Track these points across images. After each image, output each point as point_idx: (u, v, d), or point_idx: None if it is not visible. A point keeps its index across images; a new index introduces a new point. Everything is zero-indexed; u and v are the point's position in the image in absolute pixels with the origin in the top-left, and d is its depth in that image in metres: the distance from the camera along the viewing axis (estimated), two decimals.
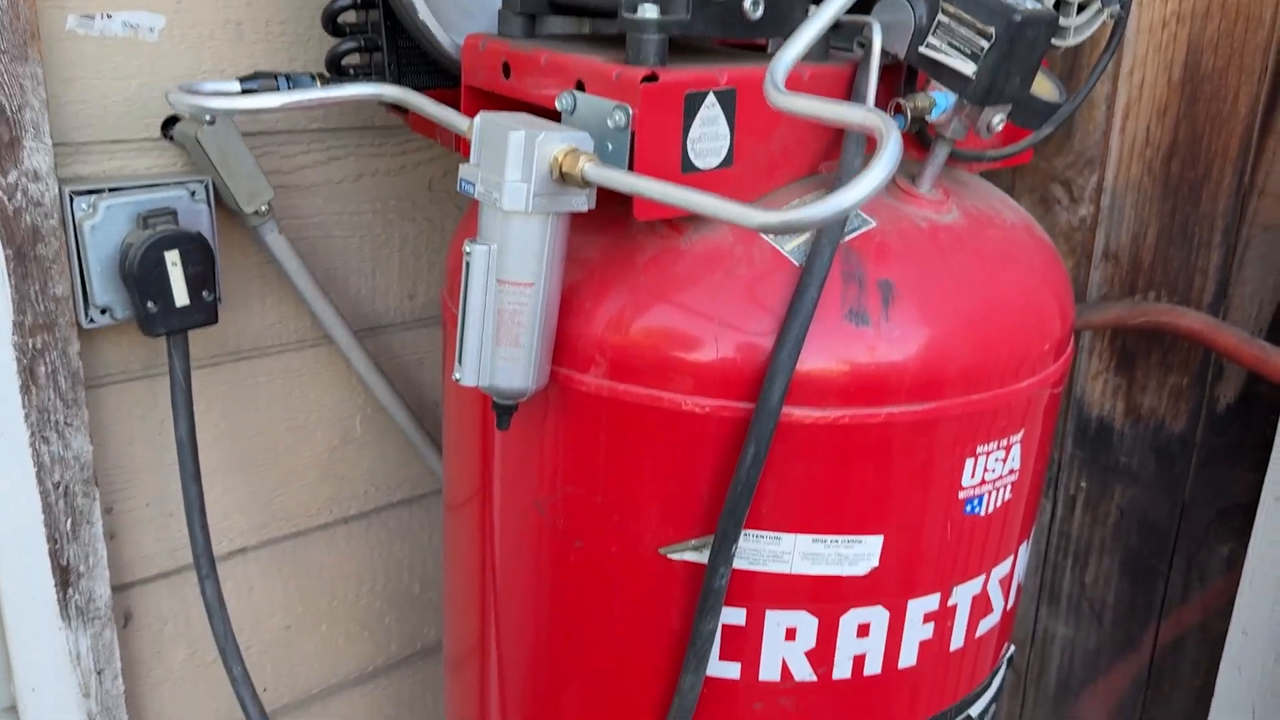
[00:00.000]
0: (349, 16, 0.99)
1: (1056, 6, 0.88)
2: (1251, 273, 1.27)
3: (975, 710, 0.98)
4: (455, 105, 0.90)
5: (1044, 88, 0.85)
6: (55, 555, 1.08)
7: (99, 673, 1.15)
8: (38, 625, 1.10)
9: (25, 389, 1.01)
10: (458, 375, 0.78)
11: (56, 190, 0.99)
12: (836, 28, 0.80)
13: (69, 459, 1.06)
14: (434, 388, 1.40)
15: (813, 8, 0.76)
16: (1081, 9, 0.90)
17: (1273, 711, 1.26)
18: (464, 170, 0.76)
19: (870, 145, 0.60)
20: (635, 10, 0.76)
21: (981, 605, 0.92)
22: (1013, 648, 1.05)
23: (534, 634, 0.97)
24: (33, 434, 1.03)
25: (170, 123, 1.07)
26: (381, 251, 1.28)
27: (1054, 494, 1.51)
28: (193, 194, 1.05)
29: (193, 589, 1.23)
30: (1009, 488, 0.88)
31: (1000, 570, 0.93)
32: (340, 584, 1.39)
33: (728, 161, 0.80)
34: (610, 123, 0.76)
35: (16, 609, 1.09)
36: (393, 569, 1.45)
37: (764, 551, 0.83)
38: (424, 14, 0.90)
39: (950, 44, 0.78)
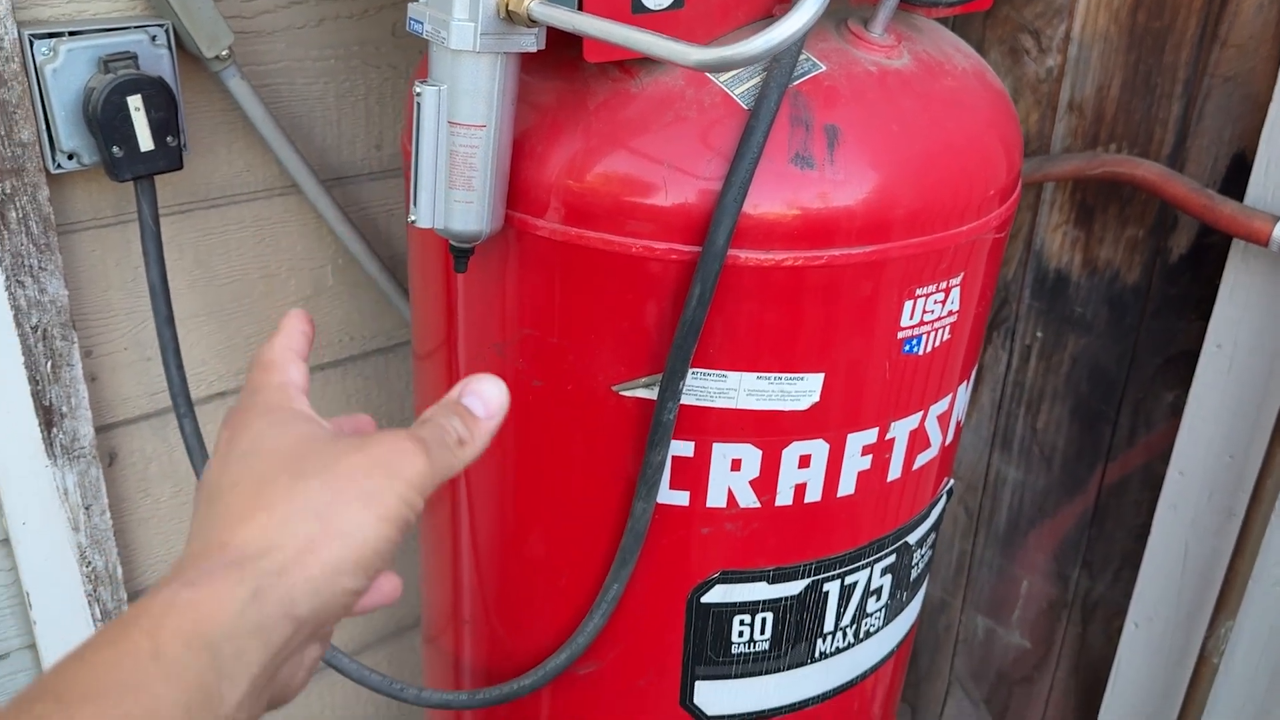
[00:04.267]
0: None
1: None
2: (1209, 124, 1.29)
3: (913, 538, 1.04)
4: None
5: None
6: (38, 396, 1.12)
7: (87, 508, 1.21)
8: (25, 463, 1.15)
9: None
10: (413, 217, 0.81)
11: (16, 33, 0.99)
12: None
13: (45, 303, 1.09)
14: (404, 239, 1.42)
15: None
16: None
17: (1204, 547, 1.33)
18: (412, 9, 0.77)
19: None
20: None
21: (919, 440, 0.97)
22: (951, 481, 1.11)
23: (499, 470, 1.02)
24: (8, 278, 1.06)
25: None
26: (346, 99, 1.28)
27: (1010, 344, 1.56)
28: (153, 38, 1.05)
29: (174, 431, 1.28)
30: (948, 329, 0.92)
31: (938, 407, 0.97)
32: None
33: (679, 3, 0.81)
34: None
35: (4, 449, 1.14)
36: (370, 413, 1.49)
37: (711, 388, 0.88)
38: None
39: None
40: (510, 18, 0.73)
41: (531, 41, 0.76)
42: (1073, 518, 1.56)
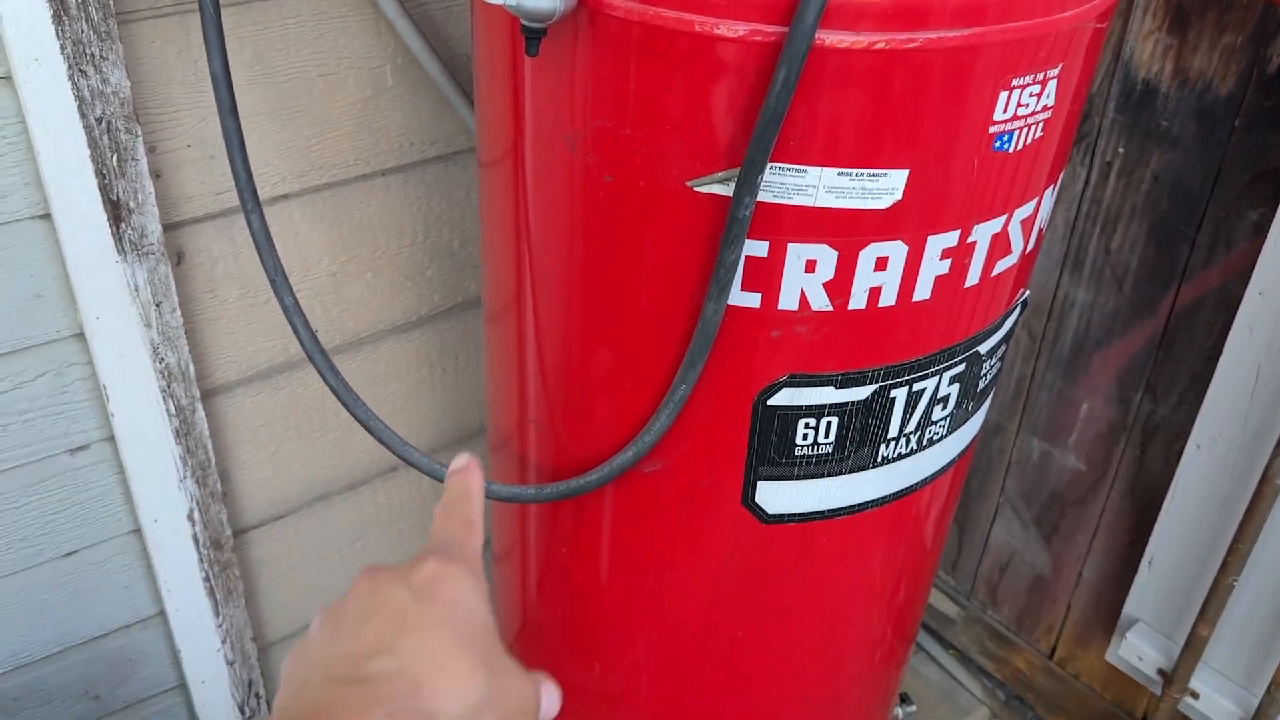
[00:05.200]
0: None
1: None
2: None
3: (984, 347, 1.03)
4: None
5: None
6: (105, 190, 1.12)
7: (158, 305, 1.22)
8: (96, 259, 1.17)
9: (57, 18, 1.01)
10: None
11: None
12: None
13: (108, 93, 1.08)
14: (464, 40, 1.38)
15: None
16: None
17: (1277, 367, 1.31)
18: None
19: None
20: None
21: (1000, 245, 0.94)
22: (1027, 292, 1.09)
23: (567, 276, 1.01)
24: (70, 66, 1.04)
25: None
26: None
27: (1090, 161, 1.50)
28: None
29: (241, 231, 1.28)
30: (1041, 125, 0.88)
31: (1023, 211, 0.94)
32: (381, 235, 1.44)
33: None
34: None
35: (75, 243, 1.15)
36: (432, 224, 1.49)
37: (789, 184, 0.85)
38: None
39: None
40: None
41: None
42: (1141, 340, 1.53)
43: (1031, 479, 1.77)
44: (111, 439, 1.31)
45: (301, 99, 1.27)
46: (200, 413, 1.33)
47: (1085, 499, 1.69)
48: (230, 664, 1.55)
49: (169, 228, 1.23)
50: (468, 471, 0.61)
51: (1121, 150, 1.45)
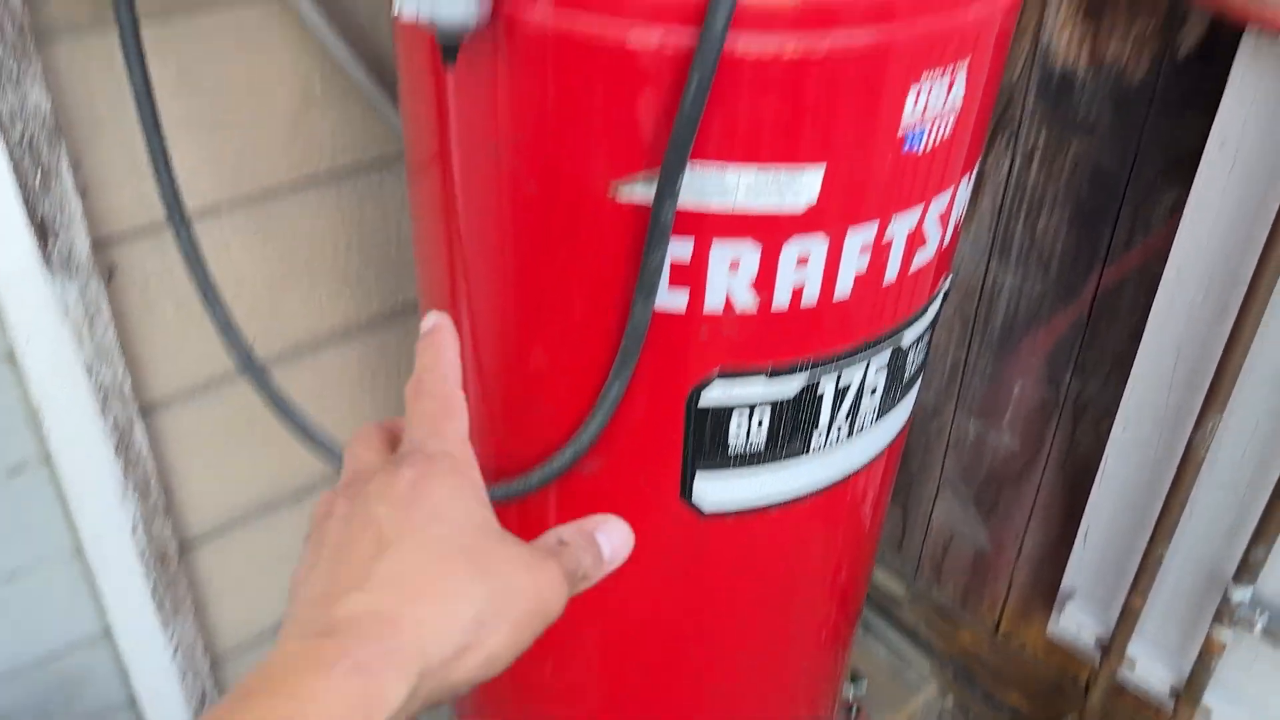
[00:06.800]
0: None
1: None
2: None
3: (908, 336, 1.06)
4: None
5: None
6: (30, 209, 1.12)
7: (90, 322, 1.22)
8: (23, 278, 1.16)
9: None
10: (396, 8, 0.78)
11: None
12: None
13: (28, 111, 1.07)
14: (391, 47, 1.38)
15: None
16: None
17: (1195, 347, 1.35)
18: None
19: None
20: None
21: (916, 239, 0.97)
22: (950, 280, 1.12)
23: (499, 282, 1.02)
24: None
25: None
26: None
27: (1013, 148, 1.53)
28: None
29: (173, 246, 1.27)
30: (951, 118, 0.91)
31: (938, 204, 0.97)
32: (316, 244, 1.44)
33: None
34: None
35: (1, 263, 1.14)
36: (367, 231, 1.49)
37: (709, 186, 0.87)
38: None
39: None
40: None
41: None
42: (1067, 322, 1.57)
43: (969, 459, 1.81)
44: (48, 458, 1.30)
45: (229, 111, 1.27)
46: (139, 428, 1.33)
47: (1021, 477, 1.74)
48: (182, 677, 1.55)
49: (99, 244, 1.23)
50: (437, 334, 0.55)
51: (1042, 138, 1.49)
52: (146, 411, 1.36)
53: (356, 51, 1.30)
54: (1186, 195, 1.33)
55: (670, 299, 0.94)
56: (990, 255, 1.63)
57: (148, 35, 1.13)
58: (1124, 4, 1.35)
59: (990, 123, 1.52)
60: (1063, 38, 1.42)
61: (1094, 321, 1.54)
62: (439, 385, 0.54)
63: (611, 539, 0.54)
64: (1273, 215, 1.19)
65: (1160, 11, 1.33)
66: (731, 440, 1.02)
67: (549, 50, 0.84)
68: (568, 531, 0.54)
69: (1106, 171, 1.44)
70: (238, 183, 1.32)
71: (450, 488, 0.48)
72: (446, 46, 0.83)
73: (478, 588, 0.45)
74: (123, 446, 1.31)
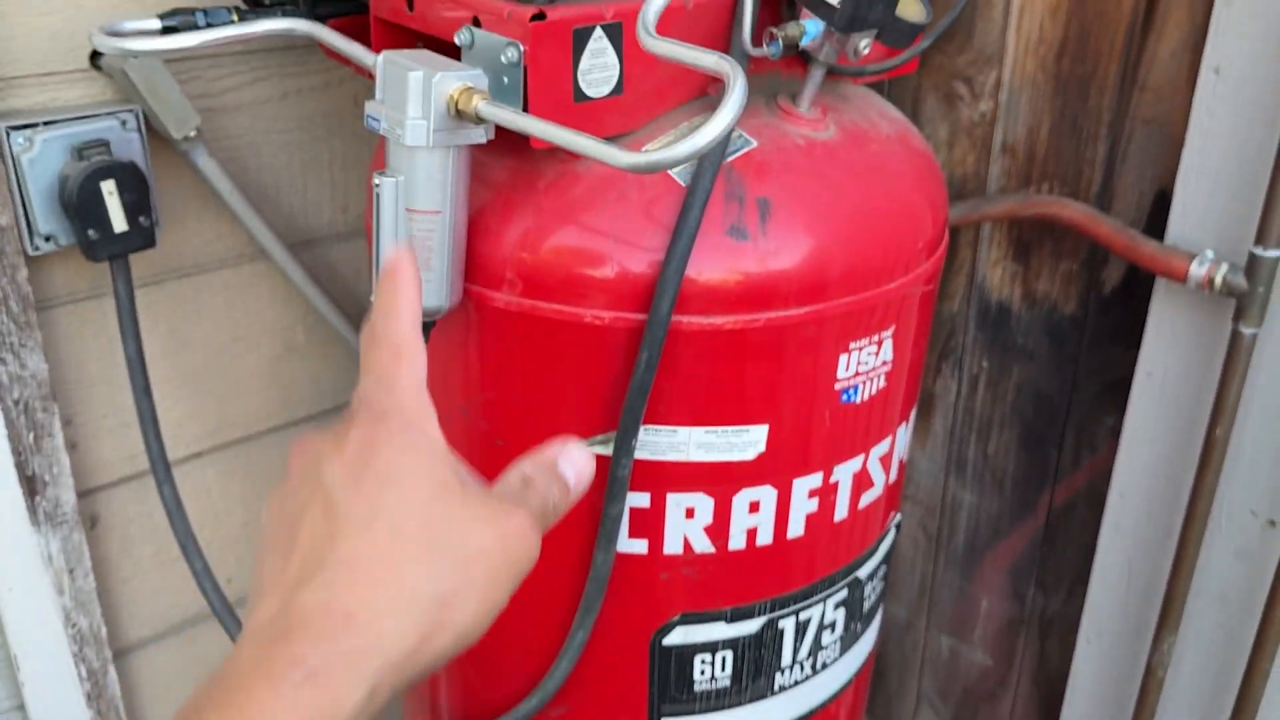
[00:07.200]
0: None
1: None
2: (1133, 164, 1.36)
3: (863, 572, 1.10)
4: (368, 31, 0.95)
5: (911, 8, 0.92)
6: (21, 467, 1.17)
7: (70, 571, 1.25)
8: (9, 531, 1.19)
9: None
10: (374, 297, 0.86)
11: None
12: None
13: (26, 378, 1.14)
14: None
15: None
16: None
17: (1146, 565, 1.40)
18: (370, 107, 0.82)
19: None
20: None
21: (862, 481, 1.03)
22: (899, 516, 1.17)
23: None
24: None
25: (98, 53, 1.11)
26: (312, 167, 1.34)
27: (959, 373, 1.62)
28: (124, 123, 1.10)
29: (154, 492, 1.32)
30: (883, 377, 0.98)
31: (879, 449, 1.03)
32: None
33: (619, 89, 0.87)
34: (504, 58, 0.82)
35: None
36: None
37: (663, 443, 0.93)
38: None
39: None
40: (460, 115, 0.79)
41: (481, 135, 0.82)
42: (1025, 538, 1.62)
43: (944, 675, 1.81)
44: (22, 707, 1.30)
45: (215, 364, 1.34)
46: (112, 674, 1.33)
47: (995, 693, 1.74)
48: None
49: (84, 494, 1.27)
50: (397, 272, 0.50)
51: (986, 364, 1.58)
52: (120, 655, 1.37)
53: (339, 303, 1.38)
54: (1124, 419, 1.40)
55: (630, 545, 0.98)
56: (948, 473, 1.69)
57: (141, 300, 1.22)
58: (1049, 246, 1.47)
59: (936, 351, 1.62)
60: (995, 274, 1.53)
61: (1050, 538, 1.59)
62: (394, 330, 0.48)
63: (575, 464, 0.50)
64: (1200, 443, 1.26)
65: (1082, 253, 1.44)
66: (696, 682, 1.05)
67: (514, 327, 0.92)
68: (529, 465, 0.50)
69: (1048, 396, 1.53)
70: (221, 431, 1.37)
71: (400, 447, 0.44)
72: (422, 325, 0.90)
73: (438, 563, 0.42)
74: (95, 694, 1.32)
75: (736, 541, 0.99)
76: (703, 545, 0.98)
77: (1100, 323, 1.45)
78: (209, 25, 0.94)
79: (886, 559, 1.16)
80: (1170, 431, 1.32)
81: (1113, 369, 1.45)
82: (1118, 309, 1.43)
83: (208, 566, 1.14)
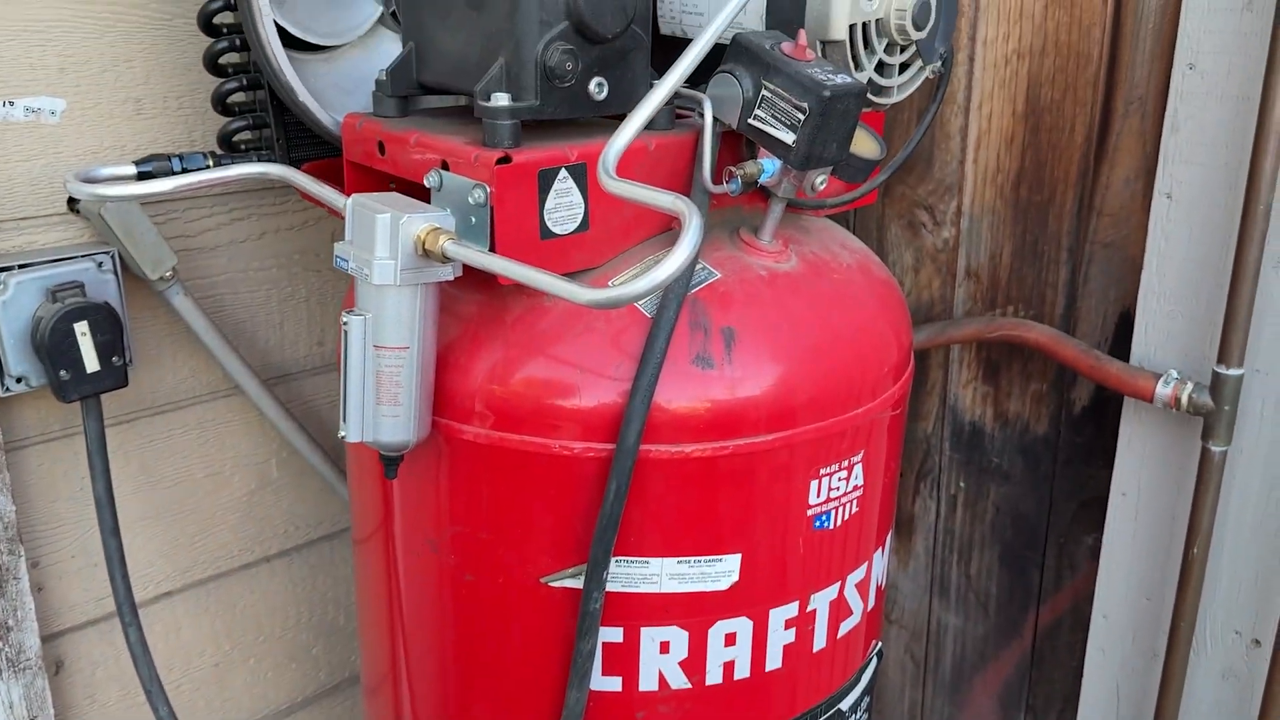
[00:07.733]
0: (238, 97, 1.07)
1: (880, 70, 0.98)
2: (1095, 286, 1.39)
3: (846, 704, 1.08)
4: (342, 173, 0.98)
5: (865, 145, 0.95)
6: None
7: (33, 719, 1.21)
8: None
9: None
10: (343, 433, 0.86)
11: None
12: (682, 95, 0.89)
13: None
14: None
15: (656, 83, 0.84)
16: (904, 69, 1.01)
17: (1133, 687, 1.38)
18: (339, 248, 0.84)
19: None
20: (489, 99, 0.84)
21: (840, 609, 1.02)
22: (880, 644, 1.15)
23: (437, 659, 1.05)
24: None
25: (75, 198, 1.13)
26: (288, 303, 1.35)
27: (937, 494, 1.62)
28: (99, 265, 1.11)
29: (121, 634, 1.29)
30: (855, 502, 0.98)
31: (855, 576, 1.02)
32: (266, 619, 1.46)
33: (584, 226, 0.89)
34: (471, 199, 0.84)
35: None
36: (316, 602, 1.51)
37: (635, 575, 0.92)
38: (303, 96, 0.98)
39: (774, 116, 0.87)
40: (427, 255, 0.81)
41: (449, 272, 0.83)
42: (1012, 662, 1.59)
43: None
44: None
45: (187, 500, 1.33)
46: None
47: None
48: None
49: (48, 638, 1.24)
50: None
51: (963, 484, 1.58)
52: None
53: (314, 437, 1.38)
54: (1103, 538, 1.40)
55: (604, 683, 0.96)
56: (932, 595, 1.67)
57: (112, 438, 1.22)
58: (1018, 366, 1.49)
59: (914, 471, 1.62)
60: (967, 395, 1.54)
61: (1038, 660, 1.56)
62: None
63: None
64: (1179, 562, 1.25)
65: (1050, 374, 1.46)
66: None
67: (484, 459, 0.92)
68: None
69: (1026, 516, 1.52)
70: (190, 567, 1.35)
71: None
72: (389, 462, 0.90)
73: None
74: None
75: (714, 676, 0.97)
76: (679, 681, 0.96)
77: (1073, 442, 1.46)
78: (184, 170, 0.97)
79: (870, 688, 1.13)
80: (1148, 553, 1.32)
81: (1088, 488, 1.46)
82: (1089, 428, 1.44)
83: (173, 713, 1.10)
